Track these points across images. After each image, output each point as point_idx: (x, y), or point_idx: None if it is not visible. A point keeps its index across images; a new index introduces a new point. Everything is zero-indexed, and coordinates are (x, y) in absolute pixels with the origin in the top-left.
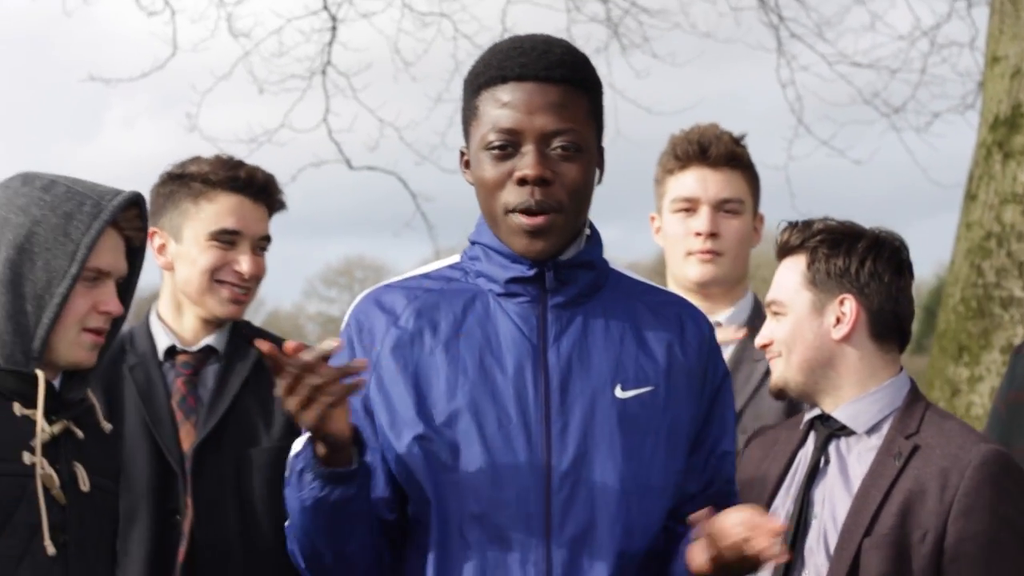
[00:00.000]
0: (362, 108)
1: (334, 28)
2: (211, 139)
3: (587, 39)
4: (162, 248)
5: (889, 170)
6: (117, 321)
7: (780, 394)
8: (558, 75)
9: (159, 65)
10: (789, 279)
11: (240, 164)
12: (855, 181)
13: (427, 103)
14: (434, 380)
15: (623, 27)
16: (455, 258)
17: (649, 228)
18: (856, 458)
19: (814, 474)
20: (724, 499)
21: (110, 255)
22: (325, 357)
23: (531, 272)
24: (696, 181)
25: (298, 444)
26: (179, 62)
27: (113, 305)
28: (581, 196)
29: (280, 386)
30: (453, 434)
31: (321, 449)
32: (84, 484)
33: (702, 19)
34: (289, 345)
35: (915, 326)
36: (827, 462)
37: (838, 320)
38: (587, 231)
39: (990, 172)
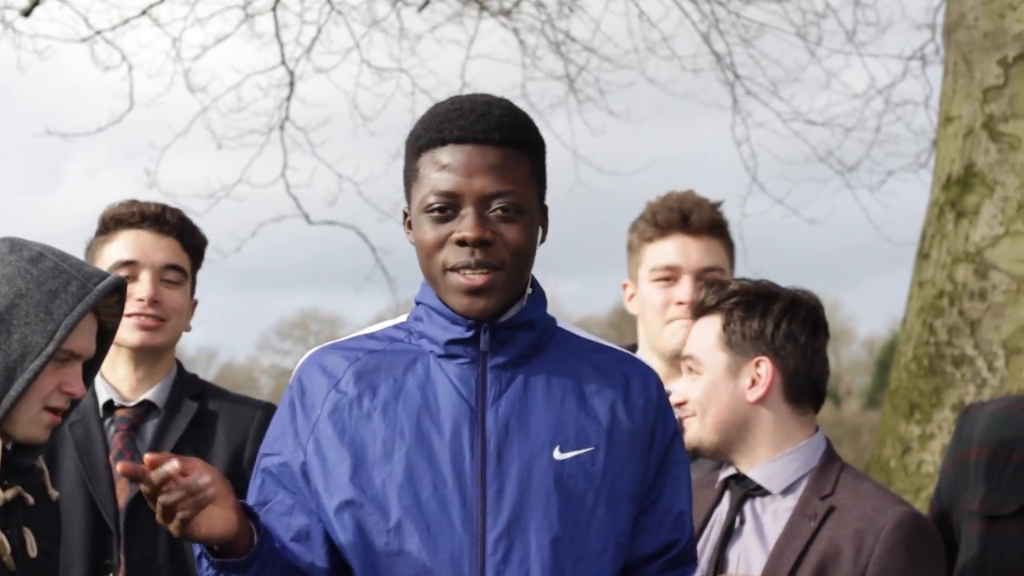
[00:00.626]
0: (320, 163)
1: (292, 83)
2: (170, 194)
3: (543, 94)
4: None
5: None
6: (74, 401)
7: (695, 453)
8: (497, 137)
9: (116, 120)
10: (705, 338)
11: (134, 202)
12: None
13: (386, 158)
14: (370, 444)
15: (579, 82)
16: (402, 318)
17: (608, 284)
18: (771, 518)
19: (729, 533)
20: (682, 557)
21: (84, 338)
22: (168, 478)
23: (469, 333)
24: (677, 250)
25: None
26: (137, 116)
27: (77, 387)
28: (523, 256)
29: (148, 492)
30: (387, 498)
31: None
32: (32, 550)
33: (659, 76)
34: (148, 458)
35: (869, 381)
36: (743, 522)
37: (753, 382)
38: (530, 289)
39: (943, 231)
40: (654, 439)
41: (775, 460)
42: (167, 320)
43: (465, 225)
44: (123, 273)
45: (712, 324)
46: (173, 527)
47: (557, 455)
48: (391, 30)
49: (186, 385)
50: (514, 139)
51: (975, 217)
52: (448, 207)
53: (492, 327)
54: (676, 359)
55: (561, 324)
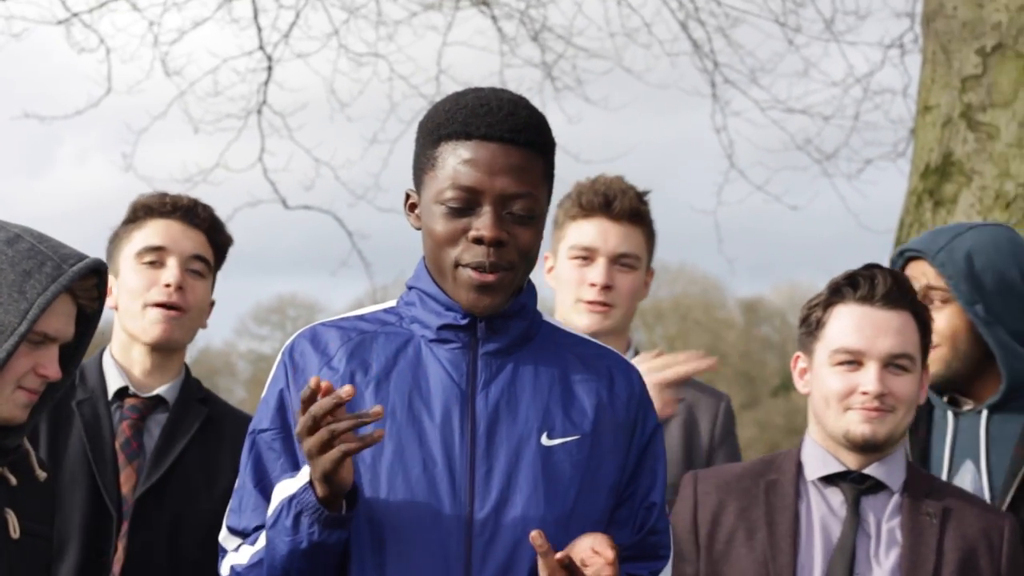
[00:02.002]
0: (298, 148)
1: (270, 68)
2: (146, 178)
3: (520, 82)
4: (110, 291)
5: (822, 215)
6: (56, 384)
7: (874, 445)
8: (522, 138)
9: (94, 103)
10: (915, 339)
11: (166, 194)
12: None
13: (362, 143)
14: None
15: (557, 70)
16: (391, 303)
17: None
18: (888, 515)
19: (851, 532)
20: (652, 549)
21: (60, 320)
22: (341, 404)
23: (464, 321)
24: (597, 232)
25: (287, 489)
26: (114, 100)
27: (52, 370)
28: (531, 258)
29: (300, 424)
30: (377, 475)
31: (323, 491)
32: (15, 531)
33: (636, 65)
34: (322, 384)
35: None
36: (861, 520)
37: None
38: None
39: (921, 220)
40: (634, 433)
41: (892, 457)
42: (188, 311)
43: (483, 224)
44: (150, 259)
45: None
46: (329, 458)
47: (545, 441)
48: (369, 16)
49: (193, 388)
50: (536, 141)
51: (953, 206)
52: (466, 202)
53: (488, 316)
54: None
55: (547, 318)
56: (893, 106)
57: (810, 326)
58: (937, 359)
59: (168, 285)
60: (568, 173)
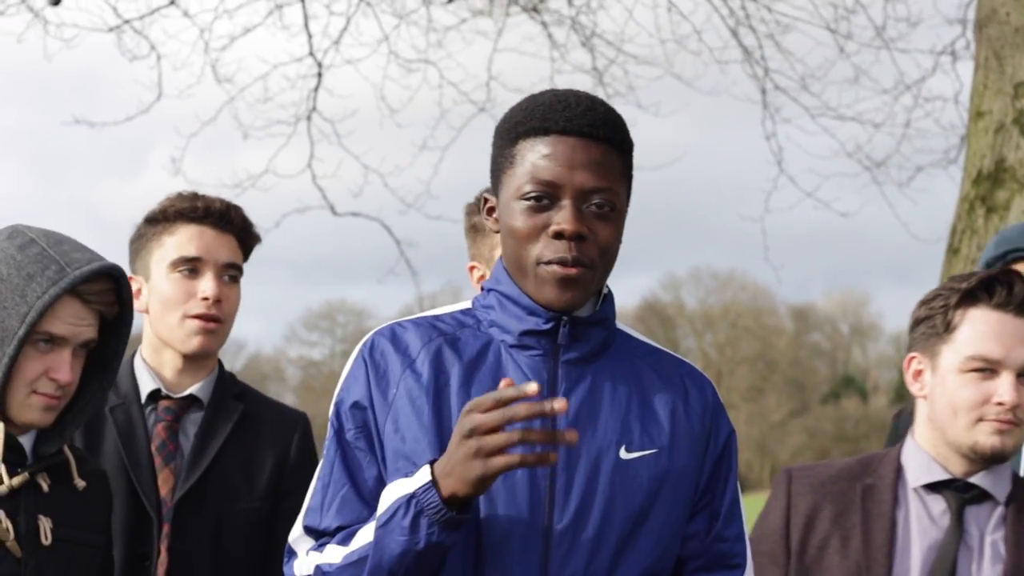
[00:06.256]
0: (347, 154)
1: (319, 74)
2: (195, 183)
3: (570, 88)
4: (138, 292)
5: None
6: (95, 389)
7: (995, 458)
8: (601, 134)
9: (144, 109)
10: None
11: (196, 196)
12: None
13: (412, 150)
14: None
15: (608, 76)
16: (465, 304)
17: (635, 277)
18: (992, 527)
19: (956, 543)
20: (721, 558)
21: (66, 323)
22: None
23: (547, 326)
24: None
25: (403, 488)
26: (165, 105)
27: (63, 374)
28: (610, 255)
29: (485, 420)
30: None
31: (463, 491)
32: (46, 537)
33: (687, 70)
34: (529, 389)
35: (896, 376)
36: (964, 531)
37: None
38: (604, 289)
39: (972, 226)
40: (709, 444)
41: (1000, 466)
42: (225, 322)
43: (563, 217)
44: (186, 268)
45: None
46: (500, 464)
47: (623, 454)
48: (420, 22)
49: (227, 384)
50: (615, 138)
51: (1005, 212)
52: (545, 196)
53: (571, 321)
54: None
55: (620, 326)
56: (944, 113)
57: (936, 328)
58: None
59: (207, 298)
60: None
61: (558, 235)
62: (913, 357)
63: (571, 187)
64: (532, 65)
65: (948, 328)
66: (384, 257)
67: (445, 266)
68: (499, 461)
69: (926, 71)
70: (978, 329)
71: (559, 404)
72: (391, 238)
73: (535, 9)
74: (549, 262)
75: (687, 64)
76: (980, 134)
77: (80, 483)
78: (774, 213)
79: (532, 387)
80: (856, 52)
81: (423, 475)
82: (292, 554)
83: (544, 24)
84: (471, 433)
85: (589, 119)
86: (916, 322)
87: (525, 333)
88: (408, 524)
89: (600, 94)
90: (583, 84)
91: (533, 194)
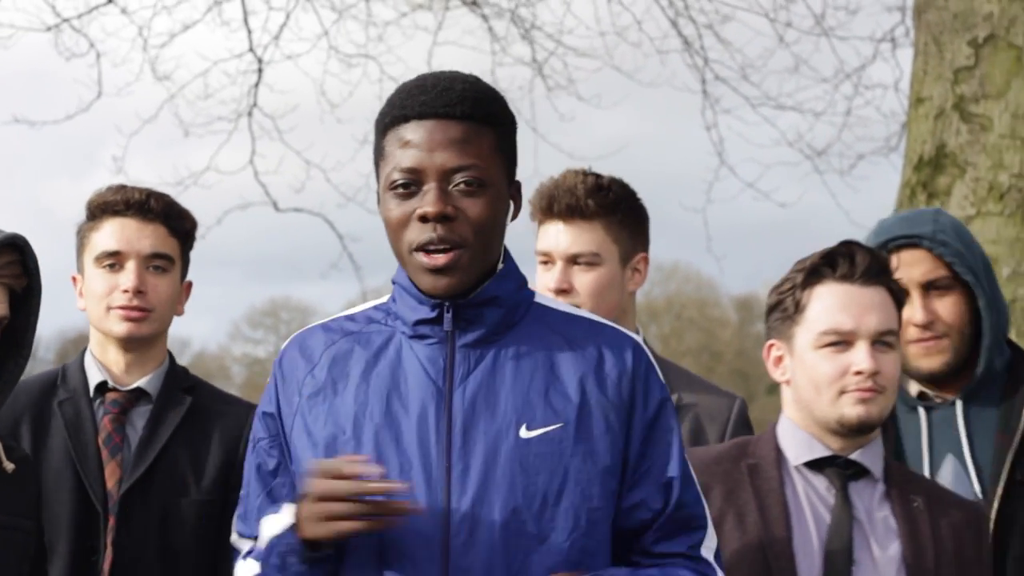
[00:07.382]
0: (288, 150)
1: (260, 70)
2: (137, 181)
3: (512, 80)
4: (81, 291)
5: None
6: (5, 366)
7: (868, 428)
8: (458, 111)
9: (84, 107)
10: (894, 315)
11: (121, 188)
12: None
13: (353, 144)
14: (344, 424)
15: (548, 68)
16: (384, 299)
17: None
18: (876, 503)
19: (846, 517)
20: (684, 522)
21: None
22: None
23: (433, 313)
24: (550, 236)
25: (272, 528)
26: (105, 105)
27: None
28: (487, 231)
29: (328, 488)
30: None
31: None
32: None
33: (627, 62)
34: (374, 470)
35: None
36: (852, 506)
37: None
38: (501, 265)
39: None
40: (634, 411)
41: (874, 443)
42: (153, 310)
43: (427, 200)
44: (109, 263)
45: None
46: (346, 528)
47: (523, 433)
48: (359, 17)
49: (178, 377)
50: (476, 113)
51: (947, 198)
52: (411, 183)
53: (456, 306)
54: None
55: (539, 299)
56: (885, 100)
57: (786, 311)
58: (945, 349)
59: (127, 291)
60: (562, 170)
61: (423, 218)
62: (772, 345)
63: (433, 169)
64: (472, 59)
65: (798, 309)
66: (328, 252)
67: (389, 260)
68: (343, 527)
69: (866, 59)
70: (826, 304)
71: (400, 486)
72: (334, 233)
73: (475, 3)
74: (420, 247)
75: (627, 56)
76: (920, 120)
77: (9, 466)
78: (716, 204)
79: (402, 492)
80: (796, 41)
81: (286, 517)
82: (235, 553)
83: (484, 17)
84: (320, 498)
85: (444, 99)
86: (769, 310)
87: (418, 322)
88: (278, 562)
89: (540, 86)
90: (524, 76)
91: (400, 182)
